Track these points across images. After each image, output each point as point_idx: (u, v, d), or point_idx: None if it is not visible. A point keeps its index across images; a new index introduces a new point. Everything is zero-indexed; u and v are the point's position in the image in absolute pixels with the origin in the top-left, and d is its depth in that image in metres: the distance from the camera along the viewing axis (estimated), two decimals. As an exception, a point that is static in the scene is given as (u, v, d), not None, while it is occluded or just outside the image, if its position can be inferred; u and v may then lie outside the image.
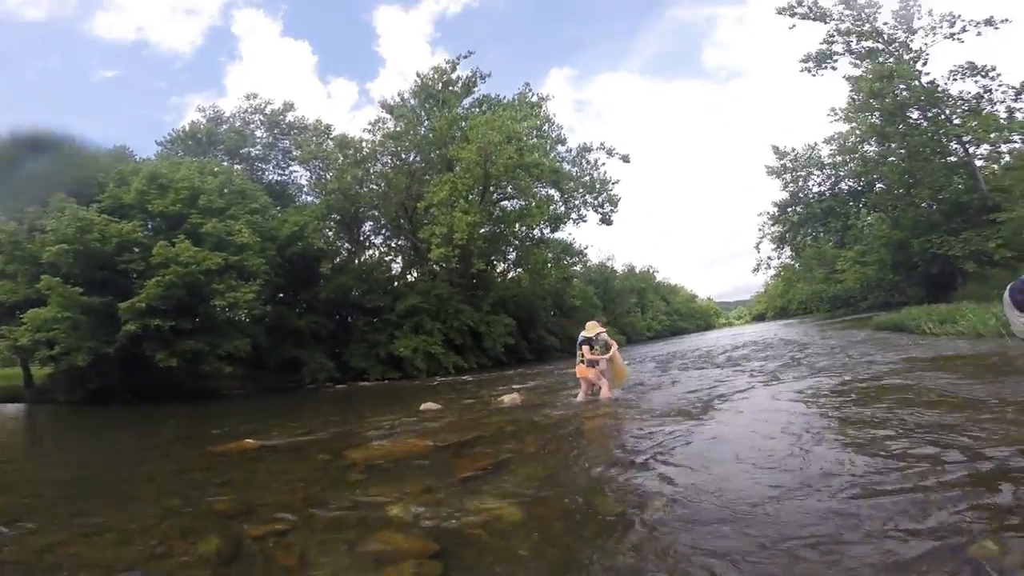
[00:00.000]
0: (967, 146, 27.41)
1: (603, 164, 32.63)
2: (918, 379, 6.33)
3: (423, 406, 9.71)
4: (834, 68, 31.08)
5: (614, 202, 32.52)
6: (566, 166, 31.83)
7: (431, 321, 25.95)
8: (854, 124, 32.69)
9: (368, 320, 25.99)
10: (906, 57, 28.40)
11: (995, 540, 2.29)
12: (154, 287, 14.88)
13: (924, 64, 28.20)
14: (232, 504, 3.85)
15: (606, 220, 32.79)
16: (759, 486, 3.35)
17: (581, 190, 32.23)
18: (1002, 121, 25.79)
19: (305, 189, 31.11)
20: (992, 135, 25.70)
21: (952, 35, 27.43)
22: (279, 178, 30.41)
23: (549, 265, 33.50)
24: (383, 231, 33.95)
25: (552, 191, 31.78)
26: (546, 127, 31.10)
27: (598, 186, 32.40)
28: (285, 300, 24.94)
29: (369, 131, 30.66)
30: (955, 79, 27.65)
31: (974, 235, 25.26)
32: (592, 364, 8.19)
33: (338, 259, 29.15)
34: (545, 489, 3.78)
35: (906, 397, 5.48)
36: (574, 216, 32.84)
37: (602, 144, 32.47)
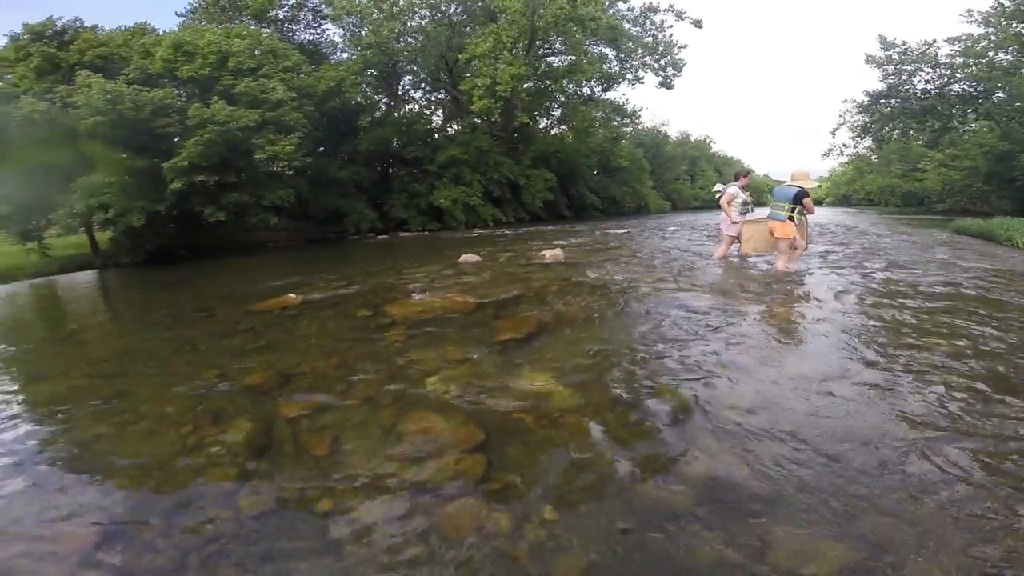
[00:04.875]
0: None
1: (671, 27, 30.53)
2: (1003, 294, 5.39)
3: (462, 258, 9.52)
4: None
5: (678, 67, 30.54)
6: (626, 24, 29.18)
7: (471, 172, 25.28)
8: (992, 29, 29.58)
9: (408, 171, 25.46)
10: None
11: None
12: (194, 146, 15.23)
13: None
14: (268, 375, 3.68)
15: (667, 84, 30.96)
16: (834, 393, 2.89)
17: (641, 51, 29.95)
18: None
19: (340, 46, 29.04)
20: None
21: None
22: (311, 37, 28.22)
23: (597, 124, 32.48)
24: (423, 85, 32.58)
25: (607, 50, 29.49)
26: (607, -19, 27.76)
27: (661, 48, 30.12)
28: (326, 152, 24.66)
29: (407, -18, 27.84)
30: None
31: None
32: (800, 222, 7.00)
33: (377, 113, 28.13)
34: (596, 366, 3.41)
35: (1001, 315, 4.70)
36: (630, 77, 30.97)
37: (671, 6, 29.76)
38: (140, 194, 15.46)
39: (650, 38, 30.42)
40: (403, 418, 2.83)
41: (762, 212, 9.45)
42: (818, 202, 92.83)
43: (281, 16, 26.76)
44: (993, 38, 29.49)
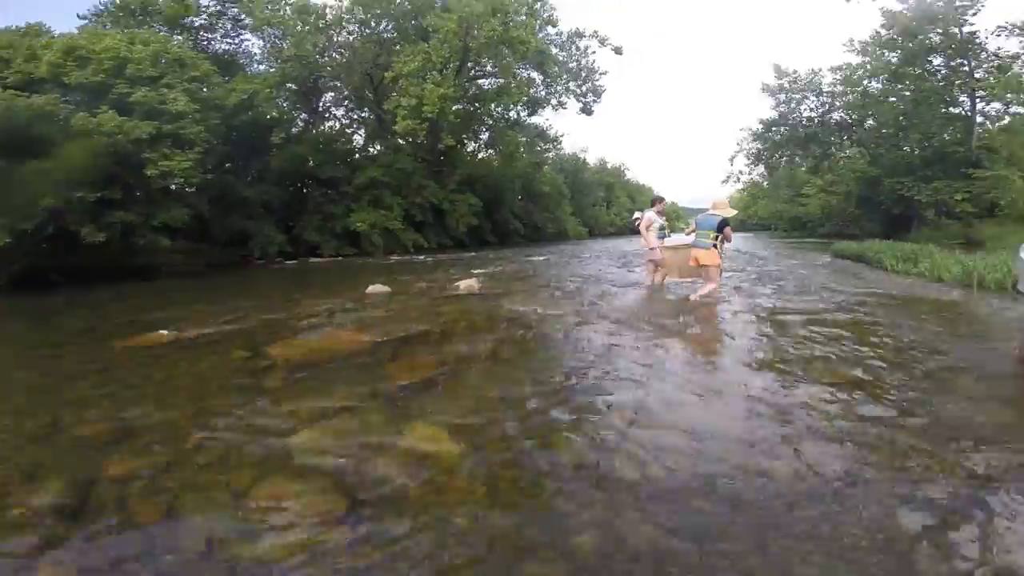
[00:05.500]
0: (976, 101, 27.15)
1: (593, 53, 31.06)
2: (889, 320, 5.93)
3: (369, 289, 9.05)
4: None
5: (598, 93, 31.46)
6: (554, 49, 29.80)
7: (391, 196, 24.70)
8: (868, 59, 31.21)
9: (323, 192, 24.38)
10: (957, 4, 25.98)
11: None
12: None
13: (975, 14, 26.10)
14: (107, 427, 3.12)
15: (587, 110, 31.76)
16: (742, 435, 2.86)
17: (565, 76, 30.68)
18: None
19: (257, 58, 27.68)
20: (1009, 95, 25.49)
21: None
22: (228, 48, 26.61)
23: (522, 149, 32.82)
24: (345, 102, 31.53)
25: (535, 74, 29.99)
26: (538, 5, 28.57)
27: (584, 74, 30.99)
28: (233, 169, 23.01)
29: (336, -2, 27.01)
30: (999, 35, 26.10)
31: (944, 186, 26.19)
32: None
33: (294, 129, 26.77)
34: (495, 416, 3.16)
35: (877, 339, 5.15)
36: (554, 102, 31.66)
37: (595, 32, 30.63)
38: (3, 210, 13.58)
39: (574, 63, 31.19)
40: (258, 483, 2.42)
41: (678, 237, 9.91)
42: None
43: (197, 24, 25.04)
44: (868, 67, 31.29)
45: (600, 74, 31.52)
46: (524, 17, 26.94)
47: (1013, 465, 2.45)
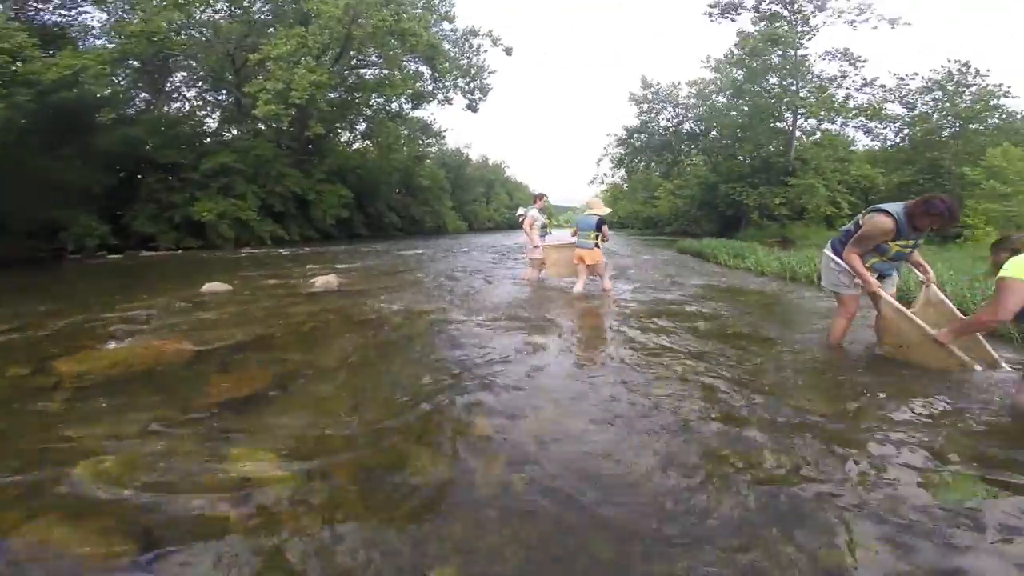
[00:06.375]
0: (797, 117, 31.60)
1: (485, 51, 31.44)
2: (725, 309, 6.82)
3: (205, 287, 8.03)
4: (733, 20, 32.08)
5: (484, 91, 31.81)
6: (447, 45, 29.51)
7: (246, 184, 22.45)
8: (719, 75, 34.98)
9: (161, 178, 21.27)
10: (799, 28, 30.23)
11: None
12: None
13: (810, 39, 30.45)
14: None
15: (472, 107, 31.93)
16: (601, 440, 2.85)
17: (455, 72, 30.52)
18: (836, 104, 30.14)
19: (95, 32, 23.34)
20: (821, 113, 30.21)
21: (852, 22, 29.71)
22: (60, 19, 21.97)
23: (402, 141, 32.21)
24: (199, 83, 28.36)
25: (424, 67, 29.44)
26: (436, 0, 28.19)
27: (473, 71, 31.14)
28: (44, 152, 19.17)
29: (203, -28, 23.76)
30: (825, 59, 30.97)
31: (767, 191, 30.34)
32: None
33: (131, 109, 22.99)
34: (339, 433, 2.86)
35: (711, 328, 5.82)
36: (440, 97, 31.54)
37: (489, 32, 31.11)
38: None
39: (465, 60, 31.23)
40: (26, 523, 1.99)
41: (560, 234, 10.30)
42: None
43: (30, -7, 20.53)
44: (718, 83, 35.54)
45: (489, 73, 31.94)
46: (420, 10, 26.35)
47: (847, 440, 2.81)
